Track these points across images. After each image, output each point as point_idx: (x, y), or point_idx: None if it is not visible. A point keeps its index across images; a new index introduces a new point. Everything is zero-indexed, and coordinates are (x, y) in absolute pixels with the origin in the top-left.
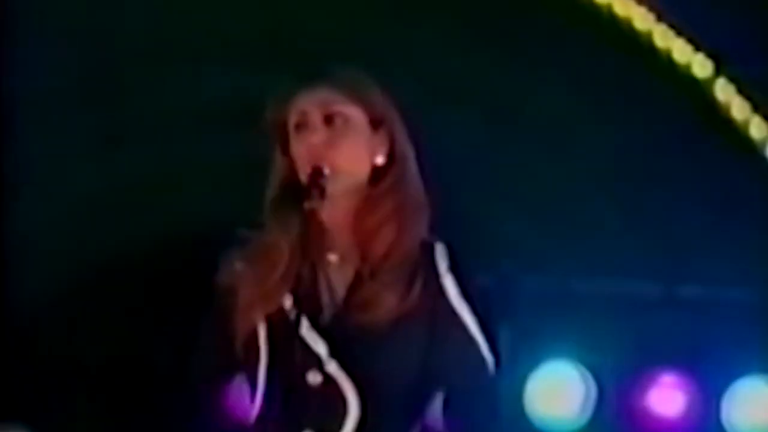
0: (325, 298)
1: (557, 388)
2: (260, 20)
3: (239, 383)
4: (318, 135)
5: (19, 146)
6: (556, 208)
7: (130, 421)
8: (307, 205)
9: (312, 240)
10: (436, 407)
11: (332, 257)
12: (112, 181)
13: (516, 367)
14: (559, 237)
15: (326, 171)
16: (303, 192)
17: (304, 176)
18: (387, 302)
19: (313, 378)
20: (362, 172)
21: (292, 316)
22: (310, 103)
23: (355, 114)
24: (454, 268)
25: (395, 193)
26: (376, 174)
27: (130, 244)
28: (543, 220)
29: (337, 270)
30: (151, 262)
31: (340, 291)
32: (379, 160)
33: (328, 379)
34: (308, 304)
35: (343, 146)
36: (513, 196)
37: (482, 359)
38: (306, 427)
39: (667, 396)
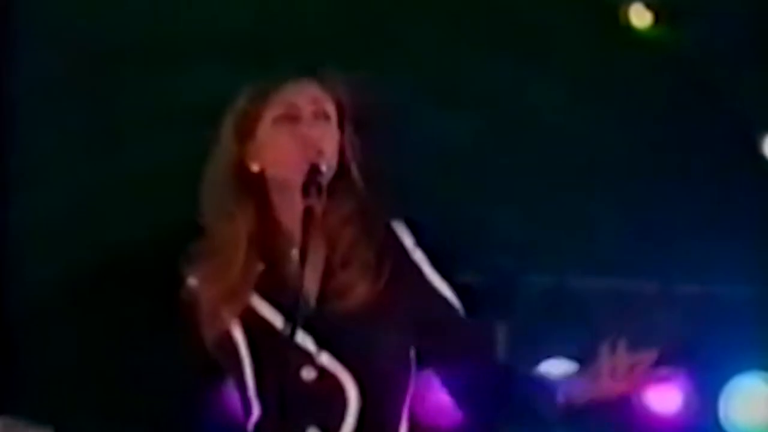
0: (298, 294)
1: None
2: (260, 17)
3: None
4: (315, 129)
5: (18, 144)
6: (554, 206)
7: (130, 419)
8: (305, 202)
9: (273, 238)
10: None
11: (296, 253)
12: (110, 179)
13: (514, 364)
14: (557, 235)
15: (323, 168)
16: (302, 189)
17: (287, 170)
18: (361, 288)
19: (308, 374)
20: (334, 169)
21: (274, 318)
22: (301, 97)
23: (333, 114)
24: (420, 243)
25: (353, 191)
26: (335, 172)
27: (129, 243)
28: (540, 218)
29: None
30: (150, 260)
31: (310, 285)
32: (335, 158)
33: (323, 373)
34: (281, 302)
35: (328, 144)
36: (510, 194)
37: (461, 321)
38: (309, 424)
39: (664, 393)
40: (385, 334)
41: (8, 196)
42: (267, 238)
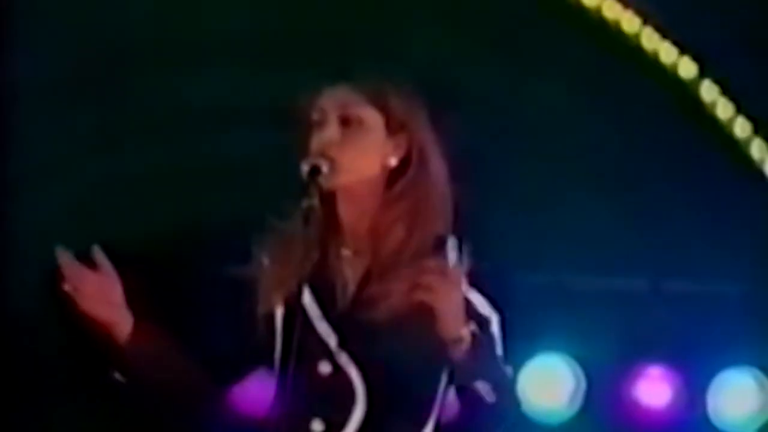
0: (339, 292)
1: (548, 380)
2: (263, 18)
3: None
4: (329, 133)
5: (21, 145)
6: (547, 204)
7: (135, 420)
8: (305, 202)
9: (323, 235)
10: (449, 397)
11: (346, 252)
12: (114, 180)
13: (508, 359)
14: (551, 233)
15: (324, 169)
16: (302, 190)
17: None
18: (393, 301)
19: (324, 368)
20: (369, 172)
21: (308, 306)
22: (329, 103)
23: (372, 117)
24: (462, 260)
25: (409, 196)
26: (393, 175)
27: (133, 243)
28: (535, 216)
29: (351, 265)
30: (151, 261)
31: (352, 286)
32: (393, 162)
33: (338, 369)
34: (323, 296)
35: (351, 147)
36: (505, 192)
37: (493, 338)
38: (315, 416)
39: (654, 388)
40: (409, 344)
41: (11, 196)
42: (327, 235)
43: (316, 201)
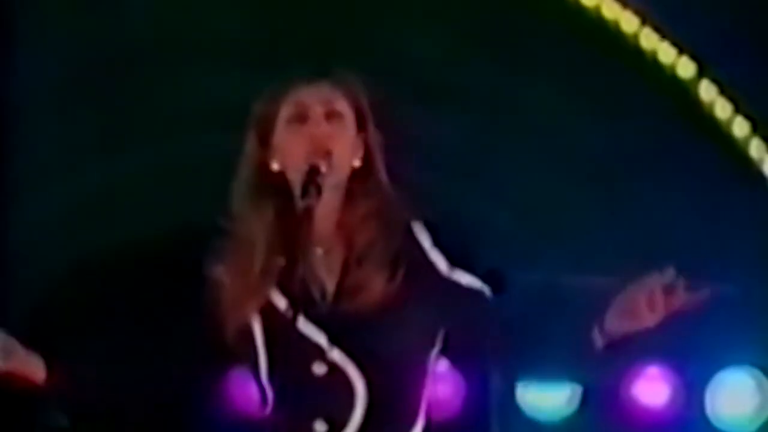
0: (315, 290)
1: None
2: (262, 19)
3: (239, 375)
4: (321, 128)
5: (22, 147)
6: (544, 204)
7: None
8: (303, 202)
9: (297, 235)
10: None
11: (318, 250)
12: (113, 182)
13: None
14: (547, 233)
15: (323, 169)
16: (301, 189)
17: (293, 170)
18: (375, 286)
19: (318, 368)
20: (348, 169)
21: (287, 311)
22: (311, 98)
23: (348, 114)
24: (437, 243)
25: (374, 194)
26: (354, 173)
27: (133, 243)
28: (531, 216)
29: (323, 262)
30: (151, 262)
31: (329, 281)
32: (357, 161)
33: (333, 368)
34: (300, 298)
35: (340, 143)
36: (501, 192)
37: (487, 302)
38: (317, 416)
39: (652, 387)
40: (398, 333)
41: (12, 198)
42: (289, 235)
43: (313, 201)
